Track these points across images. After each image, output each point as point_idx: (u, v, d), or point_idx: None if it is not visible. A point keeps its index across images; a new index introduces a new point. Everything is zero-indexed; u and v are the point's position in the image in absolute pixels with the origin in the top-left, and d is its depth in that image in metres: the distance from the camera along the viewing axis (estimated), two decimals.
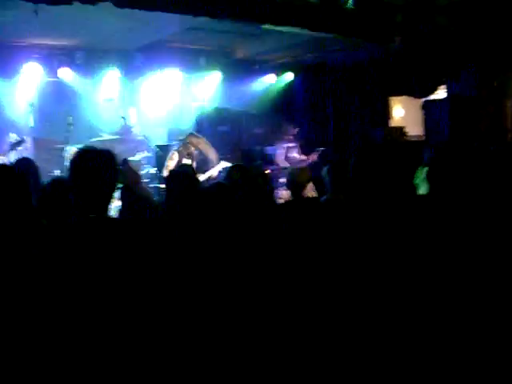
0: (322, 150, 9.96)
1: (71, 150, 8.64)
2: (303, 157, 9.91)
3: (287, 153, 10.01)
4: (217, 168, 9.04)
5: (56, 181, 3.85)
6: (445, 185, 3.18)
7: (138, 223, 2.99)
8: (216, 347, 2.75)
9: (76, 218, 2.71)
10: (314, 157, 9.80)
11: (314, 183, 6.81)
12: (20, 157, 6.22)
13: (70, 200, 2.76)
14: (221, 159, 9.37)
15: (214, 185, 3.71)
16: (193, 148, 8.76)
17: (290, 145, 10.07)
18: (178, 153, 8.61)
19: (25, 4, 6.39)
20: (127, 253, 2.59)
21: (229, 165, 9.28)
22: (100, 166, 2.68)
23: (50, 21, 7.47)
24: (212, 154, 8.97)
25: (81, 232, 2.60)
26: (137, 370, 2.43)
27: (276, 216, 4.08)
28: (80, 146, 8.50)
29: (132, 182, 4.59)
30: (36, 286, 2.44)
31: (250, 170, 4.59)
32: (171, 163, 8.47)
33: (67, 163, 7.93)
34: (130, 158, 8.83)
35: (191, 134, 8.87)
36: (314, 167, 8.61)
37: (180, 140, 8.92)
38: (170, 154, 8.73)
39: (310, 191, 6.14)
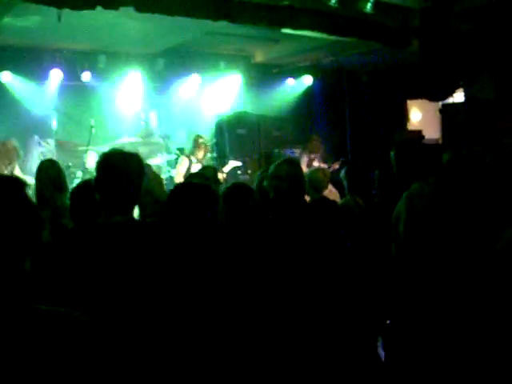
0: (344, 160, 10.00)
1: (89, 155, 8.79)
2: (324, 165, 9.94)
3: (310, 162, 10.06)
4: (227, 167, 9.10)
5: (86, 184, 3.89)
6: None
7: (161, 225, 3.03)
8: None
9: (100, 219, 2.74)
10: (335, 165, 9.83)
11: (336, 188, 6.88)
12: (44, 158, 6.36)
13: (96, 202, 2.78)
14: (232, 159, 9.48)
15: (238, 187, 3.74)
16: (202, 151, 8.70)
17: (313, 155, 10.12)
18: (188, 158, 8.62)
19: (48, 9, 6.52)
20: (151, 254, 2.65)
21: (238, 164, 9.35)
22: (126, 168, 2.72)
23: (72, 25, 7.61)
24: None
25: (105, 234, 2.66)
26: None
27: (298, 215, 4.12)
28: (99, 148, 8.71)
29: (154, 186, 4.67)
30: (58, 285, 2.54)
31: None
32: (181, 169, 8.48)
33: (87, 166, 8.09)
34: (151, 161, 8.94)
35: (198, 136, 8.82)
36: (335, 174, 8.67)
37: (193, 142, 8.85)
38: (180, 159, 8.73)
39: (331, 194, 6.19)
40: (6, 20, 7.80)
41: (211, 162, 8.85)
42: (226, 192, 3.53)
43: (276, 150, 11.16)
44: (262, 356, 2.82)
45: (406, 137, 10.65)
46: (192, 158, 8.56)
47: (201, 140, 8.70)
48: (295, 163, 4.02)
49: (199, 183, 3.19)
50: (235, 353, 2.76)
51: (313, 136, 10.29)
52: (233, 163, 9.25)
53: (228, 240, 3.13)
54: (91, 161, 8.88)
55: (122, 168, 2.72)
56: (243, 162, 9.61)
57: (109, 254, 2.58)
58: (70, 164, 8.56)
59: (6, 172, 7.69)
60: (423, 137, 10.42)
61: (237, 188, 3.61)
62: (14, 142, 7.96)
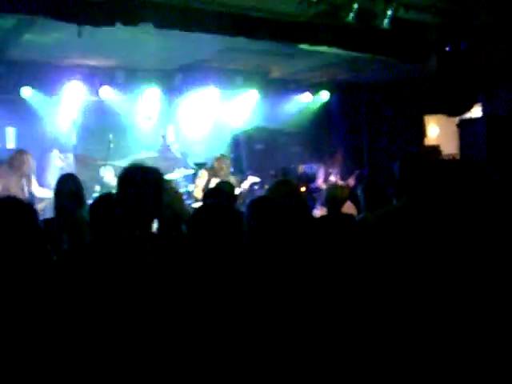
0: (359, 173, 10.03)
1: (105, 170, 8.87)
2: (341, 182, 9.96)
3: (327, 176, 10.09)
4: (247, 182, 9.13)
5: (105, 197, 3.93)
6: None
7: (181, 240, 3.05)
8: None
9: (121, 233, 2.77)
10: (351, 181, 9.87)
11: (353, 204, 6.88)
12: (63, 173, 6.41)
13: (117, 215, 2.81)
14: (250, 174, 9.51)
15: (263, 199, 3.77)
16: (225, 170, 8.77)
17: (330, 169, 10.15)
18: (207, 171, 8.68)
19: (69, 26, 6.62)
20: (170, 268, 2.66)
21: (256, 179, 9.39)
22: (147, 183, 2.75)
23: (92, 41, 7.70)
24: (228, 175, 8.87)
25: (124, 247, 2.69)
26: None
27: (314, 229, 4.15)
28: (117, 163, 8.78)
29: (174, 201, 4.70)
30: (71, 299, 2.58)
31: (294, 185, 4.68)
32: (200, 182, 8.55)
33: (105, 180, 8.18)
34: (169, 176, 8.99)
35: (219, 158, 8.87)
36: (353, 190, 8.67)
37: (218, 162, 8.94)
38: (199, 173, 8.80)
39: (349, 209, 6.20)
40: (27, 36, 7.91)
41: (230, 177, 8.86)
42: (250, 205, 3.55)
43: (292, 166, 11.19)
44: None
45: (423, 152, 10.62)
46: (211, 171, 8.62)
47: (224, 161, 8.76)
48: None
49: (223, 204, 3.21)
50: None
51: (337, 151, 10.32)
52: (251, 179, 9.27)
53: (251, 257, 3.15)
54: (109, 175, 8.95)
55: (142, 183, 2.74)
56: (260, 178, 9.62)
57: (128, 267, 2.60)
58: (87, 179, 8.59)
59: (22, 183, 7.77)
60: (440, 152, 10.40)
61: (260, 201, 3.64)
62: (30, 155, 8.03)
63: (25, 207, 2.98)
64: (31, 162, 7.91)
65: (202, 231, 2.97)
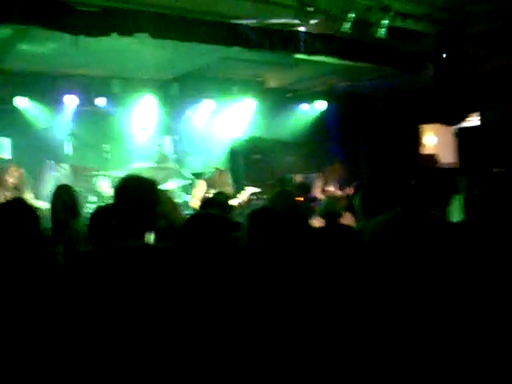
0: (356, 183, 9.99)
1: (100, 180, 8.85)
2: (339, 192, 9.93)
3: (324, 186, 10.05)
4: (246, 193, 9.09)
5: (102, 208, 3.93)
6: (481, 214, 3.22)
7: (173, 251, 3.04)
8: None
9: (115, 243, 2.77)
10: (349, 191, 9.82)
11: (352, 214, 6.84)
12: (59, 183, 6.38)
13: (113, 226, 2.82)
14: (249, 185, 9.48)
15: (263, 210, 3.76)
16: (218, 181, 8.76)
17: (328, 179, 10.11)
18: (205, 182, 8.64)
19: (64, 36, 6.59)
20: (162, 278, 2.65)
21: (256, 190, 9.35)
22: (143, 194, 2.76)
23: (88, 52, 7.68)
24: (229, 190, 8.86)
25: (117, 257, 2.67)
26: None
27: (312, 240, 4.11)
28: (113, 173, 8.75)
29: (170, 211, 4.66)
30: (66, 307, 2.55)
31: (292, 196, 4.65)
32: (198, 193, 8.51)
33: (99, 190, 8.16)
34: (165, 186, 8.95)
35: (219, 172, 8.87)
36: (351, 200, 8.61)
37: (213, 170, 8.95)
38: (197, 183, 8.78)
39: (346, 219, 6.16)
40: (23, 46, 7.89)
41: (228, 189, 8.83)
42: (251, 216, 3.54)
43: (290, 176, 11.16)
44: None
45: (420, 161, 10.62)
46: (209, 182, 8.59)
47: (225, 176, 8.76)
48: None
49: (214, 214, 3.20)
50: None
51: (335, 163, 10.29)
52: (250, 189, 9.23)
53: (246, 266, 3.13)
54: (104, 186, 8.91)
55: (138, 194, 2.76)
56: (258, 188, 9.58)
57: (120, 277, 2.59)
58: (82, 189, 8.54)
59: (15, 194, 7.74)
60: (437, 161, 10.39)
61: (261, 212, 3.62)
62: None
63: (28, 210, 3.01)
64: (21, 175, 7.91)
65: (189, 241, 2.96)
